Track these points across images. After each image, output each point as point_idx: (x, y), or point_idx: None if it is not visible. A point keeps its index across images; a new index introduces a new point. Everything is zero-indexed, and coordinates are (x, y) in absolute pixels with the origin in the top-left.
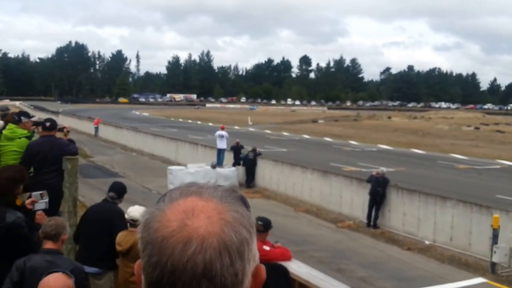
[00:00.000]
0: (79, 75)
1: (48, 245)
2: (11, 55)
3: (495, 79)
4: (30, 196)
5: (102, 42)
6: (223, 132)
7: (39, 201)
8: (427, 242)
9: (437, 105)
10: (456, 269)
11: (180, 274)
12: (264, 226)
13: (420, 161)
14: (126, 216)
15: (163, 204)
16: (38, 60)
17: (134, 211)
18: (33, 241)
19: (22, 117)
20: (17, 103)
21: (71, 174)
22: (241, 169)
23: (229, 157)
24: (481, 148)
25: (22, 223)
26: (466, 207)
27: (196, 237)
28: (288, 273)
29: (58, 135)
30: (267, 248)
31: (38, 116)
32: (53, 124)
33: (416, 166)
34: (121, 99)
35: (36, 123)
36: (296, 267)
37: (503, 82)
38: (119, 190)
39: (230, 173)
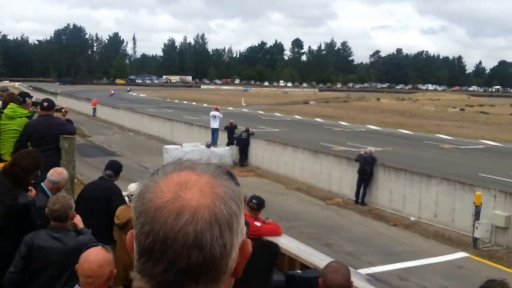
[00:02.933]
0: (77, 57)
1: (56, 224)
2: (10, 37)
3: (480, 62)
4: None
5: (97, 24)
6: (217, 113)
7: None
8: (412, 219)
9: (424, 87)
10: (439, 244)
11: (172, 242)
12: (258, 205)
13: (407, 141)
14: (126, 192)
15: (157, 177)
16: (36, 42)
17: (134, 188)
18: (36, 220)
19: (26, 98)
20: (17, 84)
21: (68, 152)
22: (234, 149)
23: (223, 136)
24: (465, 128)
25: (32, 206)
26: (450, 185)
27: (189, 208)
28: (279, 249)
29: (57, 115)
30: (258, 224)
31: (37, 96)
32: (51, 104)
33: (403, 146)
34: (118, 81)
35: (35, 103)
36: (286, 242)
37: (488, 65)
38: (115, 168)
39: (224, 152)
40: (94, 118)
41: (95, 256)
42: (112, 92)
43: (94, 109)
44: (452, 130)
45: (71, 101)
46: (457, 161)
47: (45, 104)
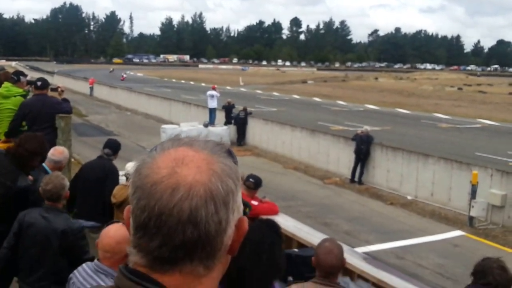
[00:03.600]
0: (74, 36)
1: (49, 203)
2: (6, 16)
3: (478, 41)
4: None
5: (94, 3)
6: (214, 92)
7: None
8: (409, 197)
9: (422, 67)
10: (436, 223)
11: (167, 218)
12: (255, 184)
13: (405, 120)
14: (124, 171)
15: (155, 153)
16: (33, 21)
17: (131, 167)
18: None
19: (21, 77)
20: (13, 63)
21: (65, 131)
22: (232, 128)
23: (221, 116)
24: (463, 108)
25: (32, 190)
26: (447, 164)
27: (184, 184)
28: (279, 228)
29: (53, 94)
30: (255, 203)
31: (33, 75)
32: (45, 83)
33: (400, 125)
34: (116, 60)
35: (30, 82)
36: (283, 221)
37: (486, 44)
38: (113, 147)
39: (222, 131)
40: (91, 98)
41: (115, 232)
42: (125, 75)
43: (91, 88)
44: (450, 109)
45: (68, 80)
46: (454, 140)
47: (39, 83)
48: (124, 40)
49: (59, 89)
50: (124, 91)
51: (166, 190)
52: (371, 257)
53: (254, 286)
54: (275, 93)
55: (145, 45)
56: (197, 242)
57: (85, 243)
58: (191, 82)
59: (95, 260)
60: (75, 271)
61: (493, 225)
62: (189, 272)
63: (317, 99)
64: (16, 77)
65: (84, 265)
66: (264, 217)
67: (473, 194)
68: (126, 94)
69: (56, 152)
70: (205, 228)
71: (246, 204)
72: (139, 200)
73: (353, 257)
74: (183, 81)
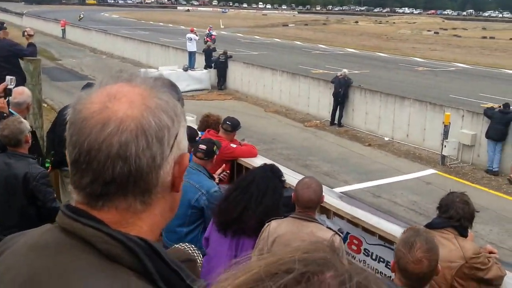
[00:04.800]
0: None
1: (11, 149)
2: None
3: None
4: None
5: None
6: (193, 35)
7: (9, 85)
8: (386, 139)
9: (401, 11)
10: (410, 162)
11: (96, 153)
12: (232, 126)
13: (383, 63)
14: None
15: (92, 89)
16: None
17: None
18: None
19: None
20: None
21: (34, 75)
22: (212, 72)
23: (201, 59)
24: (439, 51)
25: None
26: (422, 106)
27: (115, 120)
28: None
29: (21, 39)
30: (234, 146)
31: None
32: None
33: (379, 69)
34: (89, 1)
35: None
36: (262, 163)
37: None
38: None
39: (202, 75)
40: (63, 40)
41: None
42: (214, 34)
43: (63, 31)
44: (426, 53)
45: (38, 22)
46: (430, 83)
47: None
48: None
49: (26, 33)
50: (99, 33)
51: (96, 125)
52: (347, 196)
53: (252, 225)
54: (256, 37)
55: None
56: (129, 177)
57: (50, 190)
58: (170, 25)
59: None
60: None
61: (463, 163)
62: (126, 208)
63: (298, 42)
64: None
65: None
66: (245, 159)
67: (446, 134)
68: (101, 36)
69: (16, 94)
70: (135, 163)
71: (215, 143)
72: (72, 136)
73: (330, 196)
74: (161, 24)
